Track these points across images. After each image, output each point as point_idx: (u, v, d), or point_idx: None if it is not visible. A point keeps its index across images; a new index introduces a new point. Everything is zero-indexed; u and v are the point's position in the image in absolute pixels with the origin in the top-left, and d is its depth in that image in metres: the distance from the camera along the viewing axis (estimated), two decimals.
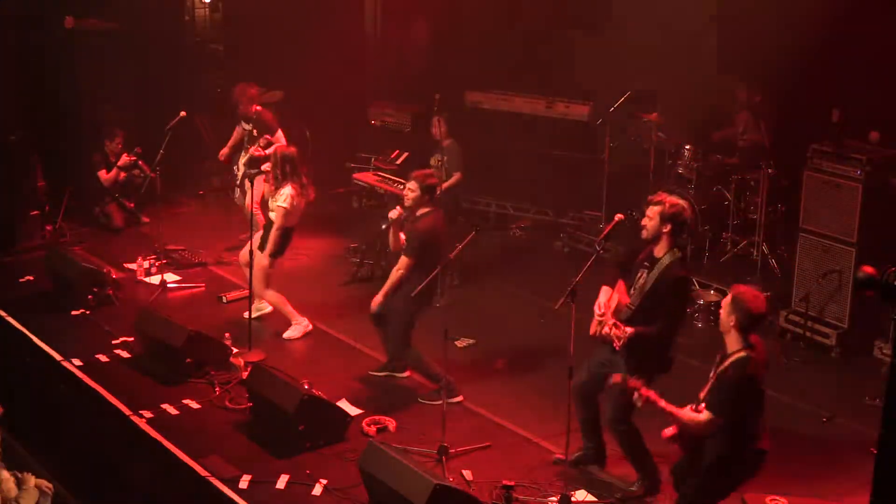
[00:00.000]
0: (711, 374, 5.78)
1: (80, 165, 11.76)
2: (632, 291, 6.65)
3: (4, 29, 11.71)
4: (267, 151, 9.89)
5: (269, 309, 9.35)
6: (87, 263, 9.70)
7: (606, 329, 6.47)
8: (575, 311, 6.47)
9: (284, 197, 8.75)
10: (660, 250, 6.56)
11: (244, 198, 10.69)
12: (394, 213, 7.98)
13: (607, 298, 6.62)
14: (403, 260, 7.90)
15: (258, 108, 10.52)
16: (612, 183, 10.89)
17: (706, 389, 5.76)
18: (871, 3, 9.55)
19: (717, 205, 10.18)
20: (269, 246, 8.84)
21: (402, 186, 8.44)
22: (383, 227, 8.22)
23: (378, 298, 8.01)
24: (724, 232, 10.19)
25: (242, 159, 10.54)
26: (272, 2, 13.16)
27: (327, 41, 12.86)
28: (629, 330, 6.38)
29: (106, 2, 12.50)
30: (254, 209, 9.69)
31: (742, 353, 5.64)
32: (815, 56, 9.74)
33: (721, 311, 5.76)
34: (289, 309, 9.06)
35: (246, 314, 9.08)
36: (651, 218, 6.54)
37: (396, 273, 7.92)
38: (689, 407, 5.75)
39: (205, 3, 14.13)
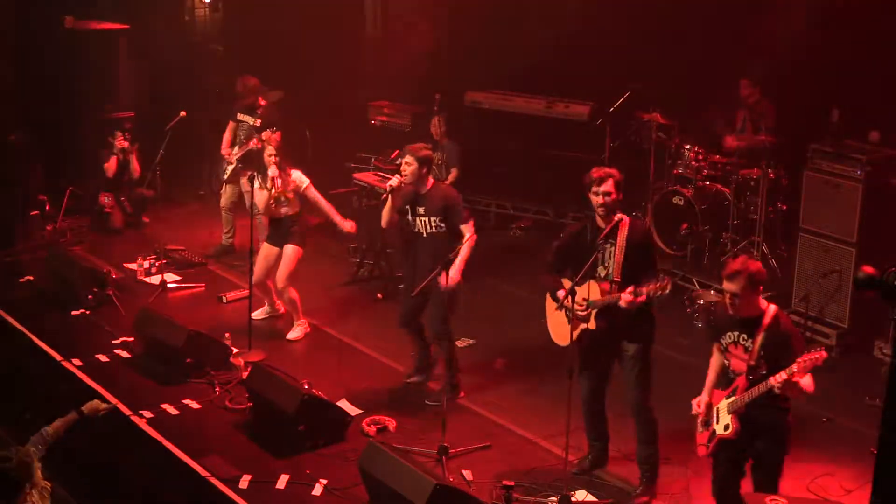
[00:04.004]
0: (751, 346, 5.75)
1: (80, 165, 11.77)
2: (601, 268, 6.56)
3: (4, 29, 11.72)
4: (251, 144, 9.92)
5: (280, 311, 9.36)
6: (87, 263, 9.72)
7: (626, 300, 6.32)
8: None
9: (300, 177, 8.81)
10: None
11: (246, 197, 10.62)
12: (394, 182, 7.77)
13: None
14: (468, 229, 7.72)
15: (264, 101, 10.49)
16: None
17: (753, 358, 5.73)
18: (871, 2, 9.54)
19: (717, 205, 10.17)
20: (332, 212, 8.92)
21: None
22: (382, 196, 7.95)
23: (457, 276, 7.68)
24: (724, 232, 10.19)
25: (235, 154, 10.49)
26: (272, 2, 13.17)
27: (327, 41, 12.86)
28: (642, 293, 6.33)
29: (106, 2, 12.51)
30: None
31: (772, 307, 5.78)
32: (815, 56, 9.74)
33: (731, 293, 5.70)
34: (299, 308, 9.05)
35: (255, 314, 9.09)
36: None
37: (469, 244, 7.68)
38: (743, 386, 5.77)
39: (205, 3, 14.15)
